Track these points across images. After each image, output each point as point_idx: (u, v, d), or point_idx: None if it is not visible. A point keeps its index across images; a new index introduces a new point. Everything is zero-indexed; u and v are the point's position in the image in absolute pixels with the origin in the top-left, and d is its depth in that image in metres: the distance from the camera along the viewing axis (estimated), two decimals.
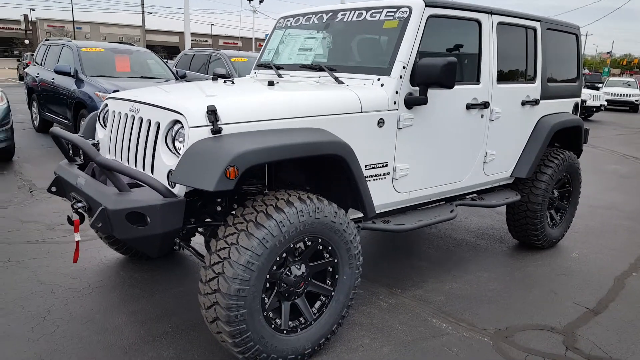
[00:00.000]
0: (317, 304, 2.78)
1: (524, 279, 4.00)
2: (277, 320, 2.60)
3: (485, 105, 3.69)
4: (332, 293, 2.80)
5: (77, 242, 2.73)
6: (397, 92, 3.10)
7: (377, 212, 3.22)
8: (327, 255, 2.73)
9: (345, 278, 2.82)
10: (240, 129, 2.51)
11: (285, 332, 2.61)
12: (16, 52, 49.10)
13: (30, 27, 46.68)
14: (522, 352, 2.96)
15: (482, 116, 3.73)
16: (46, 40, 9.48)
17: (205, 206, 2.82)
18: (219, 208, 2.83)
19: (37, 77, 8.97)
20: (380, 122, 3.06)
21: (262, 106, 2.62)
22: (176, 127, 2.55)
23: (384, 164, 3.17)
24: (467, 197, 4.07)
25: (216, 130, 2.41)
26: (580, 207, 5.11)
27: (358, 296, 3.51)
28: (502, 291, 3.75)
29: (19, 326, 2.94)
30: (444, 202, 3.88)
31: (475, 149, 3.78)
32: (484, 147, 3.85)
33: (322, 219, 2.57)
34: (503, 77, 3.90)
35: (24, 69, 16.79)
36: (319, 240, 2.63)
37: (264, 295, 2.47)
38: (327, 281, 2.80)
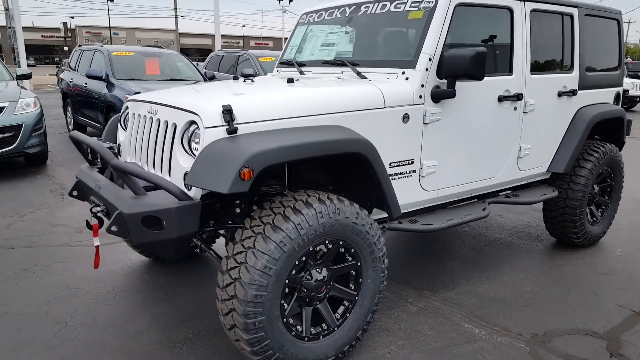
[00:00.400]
0: (341, 310, 2.67)
1: (562, 279, 3.78)
2: (298, 327, 2.50)
3: (518, 97, 3.48)
4: (356, 298, 2.68)
5: (97, 247, 2.70)
6: (422, 86, 2.95)
7: (403, 211, 3.08)
8: (350, 258, 2.61)
9: (370, 282, 2.69)
10: (257, 128, 2.42)
11: (306, 339, 2.51)
12: (56, 59, 50.85)
13: (70, 34, 48.28)
14: (561, 358, 2.76)
15: (515, 109, 3.53)
16: (79, 45, 9.69)
17: (224, 208, 2.75)
18: (237, 210, 2.75)
19: (71, 82, 9.16)
20: (405, 118, 2.92)
21: (280, 104, 2.52)
22: (192, 127, 2.48)
23: (410, 161, 3.02)
24: (501, 194, 3.87)
25: (232, 130, 2.33)
26: (622, 202, 4.80)
27: (385, 299, 3.38)
28: (539, 293, 3.54)
29: (41, 332, 2.94)
30: (475, 200, 3.70)
31: (508, 144, 3.58)
32: (518, 141, 3.64)
33: (343, 221, 2.45)
34: (538, 67, 3.69)
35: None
36: (341, 242, 2.52)
37: (283, 301, 2.37)
38: (351, 285, 2.68)
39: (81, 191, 3.04)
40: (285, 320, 2.40)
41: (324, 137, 2.40)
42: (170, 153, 2.59)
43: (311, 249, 2.41)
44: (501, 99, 3.39)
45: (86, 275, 3.69)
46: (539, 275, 3.85)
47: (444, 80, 2.99)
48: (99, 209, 2.68)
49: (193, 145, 2.46)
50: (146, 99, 2.96)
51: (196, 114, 2.42)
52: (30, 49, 45.23)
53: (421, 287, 3.58)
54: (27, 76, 7.43)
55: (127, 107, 3.22)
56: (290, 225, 2.29)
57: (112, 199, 2.51)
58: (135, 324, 3.05)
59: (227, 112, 2.34)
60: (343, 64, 3.35)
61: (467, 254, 4.22)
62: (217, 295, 2.38)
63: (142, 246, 2.49)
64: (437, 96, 3.00)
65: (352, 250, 2.58)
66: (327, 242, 2.47)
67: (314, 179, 3.04)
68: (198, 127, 2.41)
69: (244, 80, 3.28)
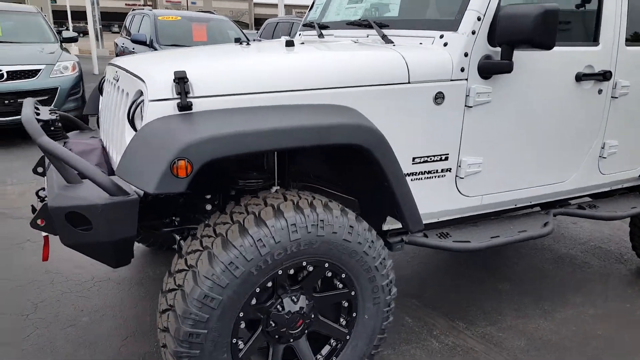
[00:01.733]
0: (325, 350, 2.02)
1: None
2: None
3: (605, 76, 2.57)
4: (347, 337, 2.01)
5: (45, 237, 2.22)
6: (466, 55, 2.16)
7: (429, 221, 2.36)
8: (340, 285, 1.94)
9: (368, 318, 2.01)
10: (221, 104, 1.77)
11: None
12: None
13: (150, 2, 49.61)
14: None
15: (599, 91, 2.62)
16: (132, 10, 9.46)
17: (194, 203, 2.16)
18: (209, 207, 2.15)
19: (122, 47, 8.98)
20: (439, 97, 2.15)
21: (257, 74, 1.85)
22: (140, 99, 1.89)
23: (443, 157, 2.26)
24: (572, 203, 2.99)
25: (184, 106, 1.71)
26: None
27: (404, 327, 2.68)
28: (614, 339, 2.67)
29: None
30: (538, 209, 2.86)
31: (587, 138, 2.69)
32: (601, 136, 2.74)
33: (329, 237, 1.78)
34: (636, 37, 2.73)
35: None
36: (326, 265, 1.85)
37: (235, 340, 1.76)
38: (341, 320, 2.02)
39: (44, 169, 2.58)
40: None
41: (306, 122, 1.71)
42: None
43: (280, 272, 1.76)
44: (580, 77, 2.50)
45: (72, 259, 3.28)
46: (617, 313, 2.95)
47: (498, 49, 2.18)
48: (44, 193, 2.18)
49: (137, 123, 1.86)
50: (115, 62, 2.41)
51: (143, 82, 1.82)
52: (114, 16, 47.16)
53: (454, 314, 2.83)
54: (73, 39, 7.23)
55: (104, 72, 2.69)
56: (248, 241, 1.65)
57: (49, 184, 2.00)
58: (99, 326, 2.58)
59: (180, 80, 1.72)
60: (369, 25, 2.61)
61: (520, 273, 3.38)
62: (157, 321, 1.81)
63: (73, 248, 1.98)
64: (487, 70, 2.20)
65: (344, 276, 1.91)
66: (304, 263, 1.81)
67: (316, 172, 2.37)
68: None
69: (240, 44, 2.64)
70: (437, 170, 2.27)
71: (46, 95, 6.00)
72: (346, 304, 1.99)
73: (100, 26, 21.03)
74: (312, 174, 2.37)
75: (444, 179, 2.31)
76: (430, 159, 2.23)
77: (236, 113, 1.72)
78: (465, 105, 2.22)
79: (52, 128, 2.18)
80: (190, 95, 1.74)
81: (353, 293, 1.95)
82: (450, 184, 2.33)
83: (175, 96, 1.73)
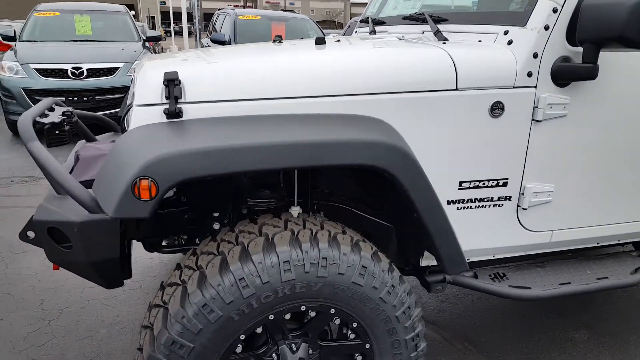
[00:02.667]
0: None
1: None
2: None
3: None
4: None
5: None
6: (535, 56, 1.71)
7: (481, 258, 1.95)
8: (352, 336, 1.60)
9: None
10: (220, 111, 1.51)
11: None
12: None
13: (251, 3, 51.37)
14: None
15: None
16: (219, 9, 9.61)
17: (204, 221, 1.93)
18: (217, 226, 1.90)
19: (206, 46, 9.14)
20: (497, 109, 1.72)
21: (266, 77, 1.55)
22: (130, 103, 1.68)
23: (501, 182, 1.82)
24: None
25: (171, 113, 1.47)
26: None
27: None
28: None
29: (20, 327, 2.50)
30: (631, 249, 2.31)
31: None
32: None
33: (333, 279, 1.44)
34: None
35: None
36: (331, 311, 1.52)
37: None
38: None
39: None
40: None
41: (299, 137, 1.38)
42: None
43: (272, 317, 1.46)
44: None
45: None
46: None
47: (578, 49, 1.71)
48: None
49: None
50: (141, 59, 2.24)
51: (136, 84, 1.61)
52: None
53: None
54: (157, 38, 7.43)
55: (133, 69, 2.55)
56: (228, 279, 1.36)
57: (46, 193, 1.86)
58: (116, 340, 2.44)
59: (170, 83, 1.48)
60: (426, 20, 2.22)
61: (601, 320, 2.77)
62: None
63: (58, 265, 1.82)
64: (564, 75, 1.73)
65: (355, 325, 1.56)
66: (304, 308, 1.49)
67: (345, 192, 2.04)
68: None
69: (273, 41, 2.36)
70: (491, 198, 1.84)
71: (122, 94, 6.17)
72: (360, 358, 1.65)
73: (200, 27, 21.97)
74: (341, 193, 2.03)
75: (501, 209, 1.87)
76: (483, 184, 1.81)
77: (228, 123, 1.44)
78: (533, 119, 1.77)
79: (57, 132, 2.06)
80: (182, 100, 1.50)
81: (368, 346, 1.60)
82: (509, 215, 1.89)
83: (164, 101, 1.50)
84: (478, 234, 1.87)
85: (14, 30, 6.96)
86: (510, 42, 1.76)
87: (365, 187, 1.97)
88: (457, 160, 1.74)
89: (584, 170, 1.91)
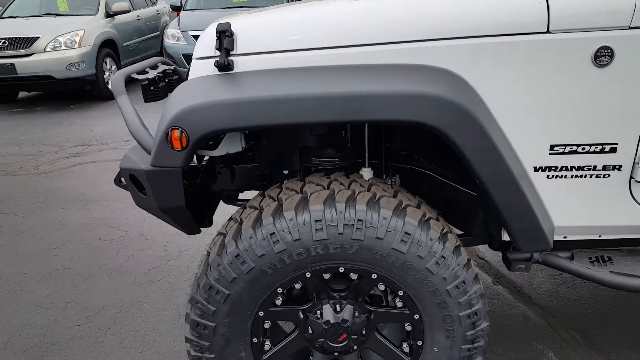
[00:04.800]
0: None
1: None
2: None
3: None
4: None
5: None
6: None
7: (585, 237, 1.66)
8: (400, 304, 1.50)
9: (437, 351, 1.51)
10: (274, 63, 1.48)
11: None
12: None
13: None
14: None
15: None
16: None
17: (275, 176, 1.95)
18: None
19: None
20: (603, 55, 1.40)
21: (319, 25, 1.47)
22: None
23: (607, 147, 1.50)
24: None
25: (222, 65, 1.49)
26: None
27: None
28: None
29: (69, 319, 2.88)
30: None
31: None
32: None
33: (370, 243, 1.36)
34: None
35: None
36: (373, 276, 1.43)
37: (257, 340, 1.52)
38: (404, 346, 1.57)
39: None
40: None
41: (331, 89, 1.29)
42: None
43: (309, 275, 1.43)
44: None
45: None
46: None
47: None
48: None
49: None
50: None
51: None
52: None
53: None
54: None
55: None
56: (260, 234, 1.37)
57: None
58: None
59: (222, 34, 1.49)
60: None
61: None
62: None
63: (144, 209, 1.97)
64: None
65: (401, 293, 1.46)
66: (342, 270, 1.43)
67: (423, 154, 1.87)
68: None
69: None
70: (594, 167, 1.53)
71: None
72: (409, 328, 1.54)
73: None
74: (420, 155, 1.87)
75: (607, 180, 1.55)
76: (583, 148, 1.50)
77: (269, 75, 1.41)
78: None
79: (152, 87, 2.24)
80: (234, 52, 1.50)
81: (417, 317, 1.49)
82: (619, 188, 1.55)
83: (217, 54, 1.52)
84: (576, 208, 1.58)
85: (181, 1, 7.73)
86: None
87: (442, 150, 1.79)
88: (548, 119, 1.47)
89: None
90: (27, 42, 6.71)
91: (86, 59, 6.96)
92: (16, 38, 6.71)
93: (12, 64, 6.63)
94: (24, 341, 2.36)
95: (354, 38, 1.43)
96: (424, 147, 1.83)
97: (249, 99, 1.28)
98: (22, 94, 8.23)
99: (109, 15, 7.70)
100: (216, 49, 1.49)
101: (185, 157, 1.34)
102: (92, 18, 7.45)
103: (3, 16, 7.72)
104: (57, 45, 6.79)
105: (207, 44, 1.53)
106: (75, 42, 6.85)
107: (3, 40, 6.69)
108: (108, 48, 7.51)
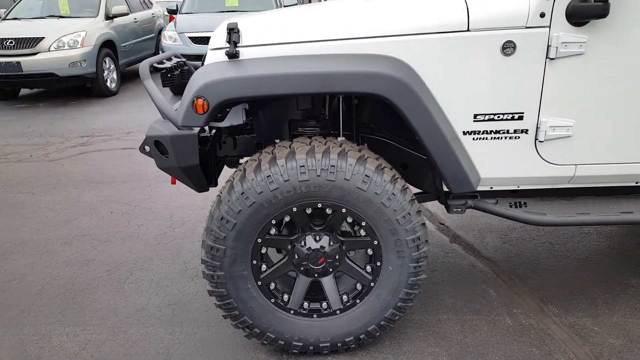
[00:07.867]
0: (353, 292, 2.12)
1: None
2: (285, 296, 2.11)
3: None
4: (372, 284, 2.07)
5: None
6: None
7: (505, 187, 2.17)
8: (363, 233, 2.00)
9: (392, 269, 2.02)
10: (266, 52, 1.98)
11: (292, 312, 2.10)
12: None
13: None
14: None
15: None
16: None
17: (269, 144, 2.45)
18: None
19: None
20: (508, 48, 1.92)
21: (298, 24, 2.00)
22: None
23: (516, 116, 2.02)
24: None
25: (231, 54, 1.98)
26: None
27: (482, 300, 2.52)
28: None
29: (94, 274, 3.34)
30: None
31: None
32: None
33: (340, 184, 1.86)
34: None
35: None
36: (343, 210, 1.93)
37: (256, 262, 2.02)
38: (367, 267, 2.08)
39: None
40: (260, 283, 2.05)
41: (313, 69, 1.80)
42: None
43: (295, 209, 1.93)
44: None
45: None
46: None
47: None
48: None
49: None
50: None
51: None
52: None
53: (550, 299, 2.51)
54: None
55: None
56: (260, 176, 1.86)
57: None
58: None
59: (231, 31, 1.99)
60: None
61: None
62: None
63: (163, 170, 2.45)
64: (580, 14, 1.85)
65: (364, 224, 1.96)
66: (320, 205, 1.93)
67: (384, 125, 2.38)
68: None
69: None
70: (507, 131, 2.05)
71: None
72: (371, 252, 2.05)
73: None
74: (381, 127, 2.38)
75: (518, 141, 2.07)
76: (498, 117, 2.03)
77: (267, 61, 1.92)
78: (547, 57, 1.93)
79: (169, 75, 2.73)
80: (240, 44, 2.00)
81: (376, 242, 1.99)
82: (527, 147, 2.08)
83: (226, 45, 2.01)
84: (497, 163, 2.09)
85: (177, 5, 8.21)
86: None
87: (396, 123, 2.31)
88: (471, 95, 1.98)
89: (608, 107, 1.99)
90: (33, 42, 7.15)
91: (87, 58, 7.42)
92: (22, 38, 7.15)
93: (18, 62, 7.07)
94: (55, 289, 2.81)
95: (331, 34, 1.94)
96: (386, 120, 2.34)
97: (251, 76, 1.79)
98: (24, 92, 8.64)
99: (108, 17, 8.17)
100: (226, 42, 1.99)
101: (206, 119, 1.83)
102: (93, 20, 7.91)
103: (8, 18, 8.13)
104: (61, 45, 7.24)
105: (219, 38, 2.03)
106: (78, 43, 7.31)
107: (10, 40, 7.12)
108: (107, 48, 7.98)
